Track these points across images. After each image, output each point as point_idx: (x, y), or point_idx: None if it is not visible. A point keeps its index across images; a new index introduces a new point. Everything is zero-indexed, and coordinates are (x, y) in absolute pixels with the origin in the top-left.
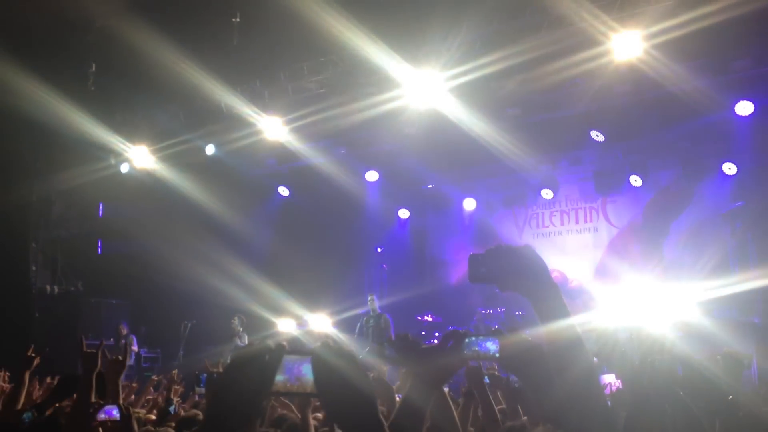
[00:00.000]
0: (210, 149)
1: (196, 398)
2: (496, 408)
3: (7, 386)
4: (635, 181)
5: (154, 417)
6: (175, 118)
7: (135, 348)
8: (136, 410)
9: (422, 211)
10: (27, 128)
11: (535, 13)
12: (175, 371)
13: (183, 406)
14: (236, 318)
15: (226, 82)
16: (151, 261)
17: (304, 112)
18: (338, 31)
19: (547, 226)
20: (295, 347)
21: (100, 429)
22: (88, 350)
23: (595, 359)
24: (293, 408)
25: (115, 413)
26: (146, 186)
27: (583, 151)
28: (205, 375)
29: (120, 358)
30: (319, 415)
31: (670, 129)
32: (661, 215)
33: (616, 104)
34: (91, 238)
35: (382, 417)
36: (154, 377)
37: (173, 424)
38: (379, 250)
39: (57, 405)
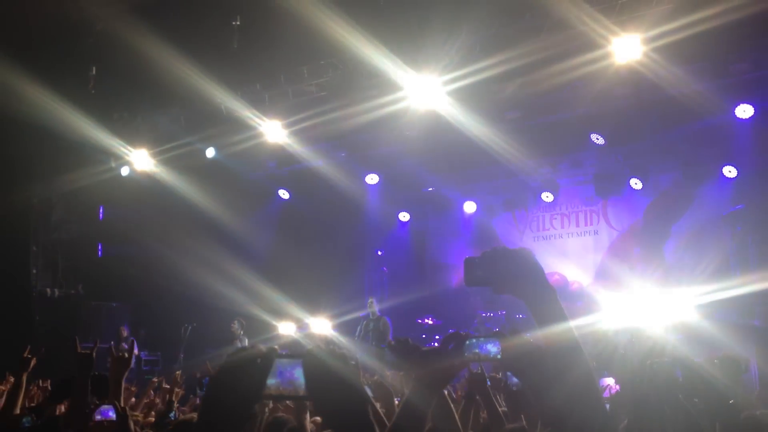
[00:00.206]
0: (210, 152)
1: (197, 401)
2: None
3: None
4: (635, 184)
5: (153, 419)
6: (176, 121)
7: (135, 351)
8: (135, 413)
9: (422, 214)
10: (27, 131)
11: (535, 17)
12: (178, 372)
13: (183, 409)
14: (236, 321)
15: (227, 85)
16: (151, 264)
17: (304, 115)
18: (338, 35)
19: (548, 229)
20: (296, 350)
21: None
22: (83, 351)
23: (594, 363)
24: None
25: (112, 414)
26: (147, 189)
27: (584, 154)
28: (207, 378)
29: (125, 355)
30: (318, 419)
31: (670, 132)
32: (661, 218)
33: (616, 107)
34: (91, 241)
35: (373, 419)
36: (155, 379)
37: (171, 428)
38: (379, 253)
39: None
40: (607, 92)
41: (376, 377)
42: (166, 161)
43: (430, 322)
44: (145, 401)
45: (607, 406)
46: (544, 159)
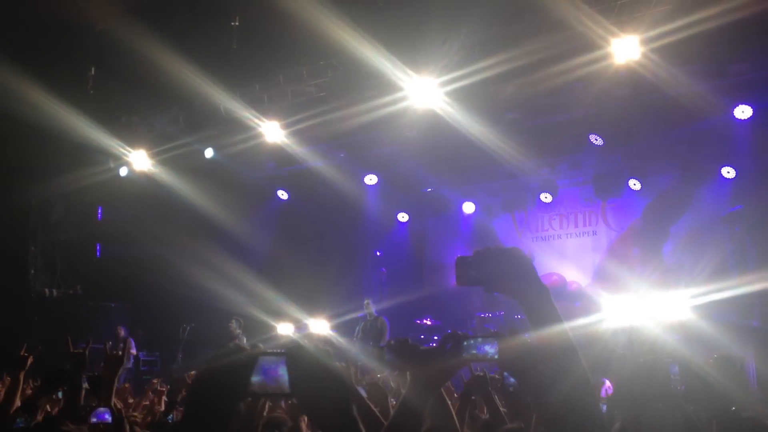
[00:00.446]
0: (209, 153)
1: None
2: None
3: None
4: (634, 184)
5: (149, 419)
6: (175, 121)
7: (133, 351)
8: (134, 414)
9: (421, 214)
10: (26, 132)
11: (534, 17)
12: (192, 372)
13: (180, 409)
14: (234, 321)
15: (226, 85)
16: (150, 264)
17: (303, 115)
18: (337, 35)
19: (547, 230)
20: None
21: None
22: (76, 350)
23: (592, 364)
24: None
25: (108, 417)
26: (145, 189)
27: (582, 155)
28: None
29: (119, 353)
30: None
31: (669, 133)
32: (660, 219)
33: (615, 108)
34: (90, 241)
35: (356, 415)
36: (155, 381)
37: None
38: (378, 253)
39: (47, 407)
40: (606, 93)
41: (371, 378)
42: (165, 162)
43: (429, 322)
44: (145, 403)
45: (604, 407)
46: (543, 160)
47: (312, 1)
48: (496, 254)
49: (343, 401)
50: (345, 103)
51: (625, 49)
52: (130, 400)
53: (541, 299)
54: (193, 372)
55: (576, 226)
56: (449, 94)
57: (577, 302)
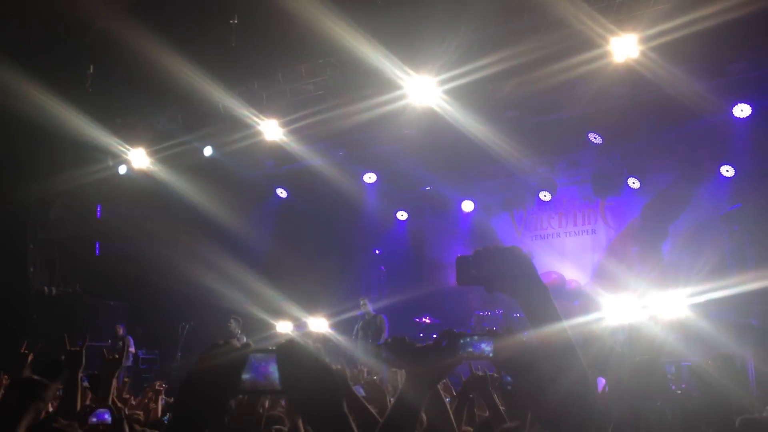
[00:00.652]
0: (208, 151)
1: None
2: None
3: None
4: (633, 183)
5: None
6: (173, 119)
7: (132, 349)
8: (137, 412)
9: (420, 213)
10: (25, 130)
11: (533, 16)
12: None
13: None
14: (232, 320)
15: (224, 83)
16: (149, 262)
17: (302, 113)
18: (336, 34)
19: (546, 229)
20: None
21: None
22: (72, 348)
23: (590, 363)
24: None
25: (107, 417)
26: (144, 188)
27: (581, 154)
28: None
29: (116, 356)
30: None
31: (667, 131)
32: (659, 217)
33: (613, 107)
34: (89, 239)
35: (347, 412)
36: (158, 383)
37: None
38: (377, 252)
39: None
40: (605, 91)
41: (368, 377)
42: (164, 160)
43: (428, 321)
44: (145, 402)
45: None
46: (542, 158)
47: None
48: (495, 253)
49: (333, 398)
50: (344, 102)
51: (624, 47)
52: (133, 402)
53: (541, 298)
54: None
55: (575, 225)
56: (448, 92)
57: (576, 301)
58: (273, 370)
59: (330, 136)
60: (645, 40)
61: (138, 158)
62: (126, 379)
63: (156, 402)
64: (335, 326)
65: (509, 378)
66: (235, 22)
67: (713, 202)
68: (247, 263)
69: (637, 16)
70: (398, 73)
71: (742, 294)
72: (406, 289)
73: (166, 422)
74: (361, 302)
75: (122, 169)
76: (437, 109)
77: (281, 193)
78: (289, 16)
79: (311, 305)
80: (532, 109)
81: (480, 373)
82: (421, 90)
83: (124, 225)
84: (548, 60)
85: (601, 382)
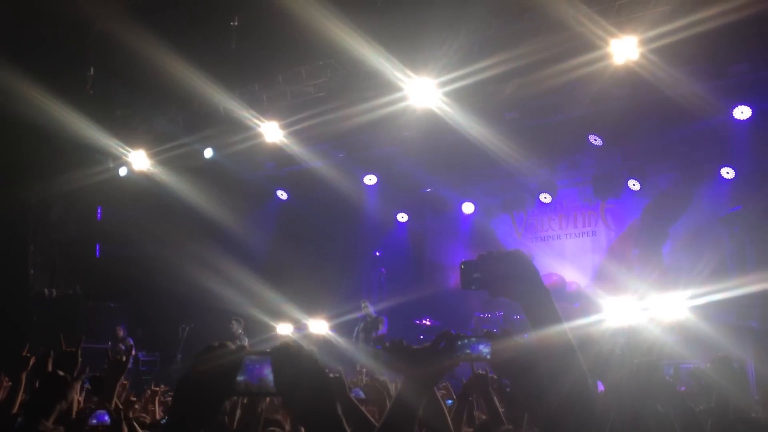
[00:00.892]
0: (208, 153)
1: None
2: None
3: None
4: (633, 185)
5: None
6: (174, 121)
7: (132, 351)
8: (143, 415)
9: (421, 214)
10: (25, 131)
11: (533, 18)
12: None
13: None
14: (234, 321)
15: (225, 85)
16: (149, 264)
17: (302, 115)
18: (336, 36)
19: (546, 230)
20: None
21: None
22: (68, 349)
23: (590, 365)
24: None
25: (107, 419)
26: (145, 189)
27: (582, 155)
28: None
29: (123, 358)
30: None
31: (668, 133)
32: (659, 219)
33: (614, 108)
34: (89, 241)
35: (341, 414)
36: (162, 387)
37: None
38: (377, 253)
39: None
40: (605, 93)
41: (368, 379)
42: (164, 162)
43: (428, 323)
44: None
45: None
46: (543, 160)
47: (311, 1)
48: (498, 258)
49: (327, 400)
50: (344, 104)
51: (624, 49)
52: (136, 405)
53: (542, 300)
54: None
55: (575, 227)
56: (448, 94)
57: (576, 303)
58: (268, 373)
59: (330, 138)
60: (645, 42)
61: (138, 160)
62: (125, 381)
63: (154, 402)
64: (335, 328)
65: (506, 380)
66: (236, 24)
67: (713, 204)
68: (247, 265)
69: (637, 18)
70: (398, 75)
71: (742, 296)
72: (406, 291)
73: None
74: (362, 305)
75: (123, 171)
76: (437, 111)
77: (282, 194)
78: (290, 18)
79: (311, 307)
80: (532, 111)
81: (480, 372)
82: (422, 92)
83: (124, 227)
84: (548, 62)
85: (600, 387)
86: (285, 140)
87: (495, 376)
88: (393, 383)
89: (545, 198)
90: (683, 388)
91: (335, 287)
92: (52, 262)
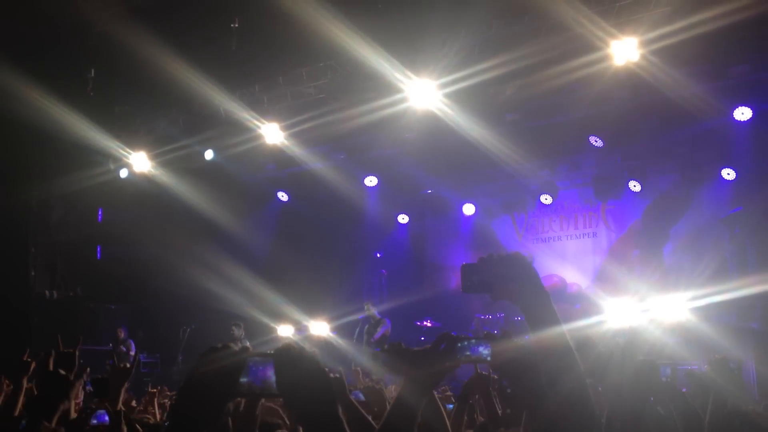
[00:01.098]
0: (209, 154)
1: None
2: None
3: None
4: (634, 186)
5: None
6: (174, 123)
7: (133, 352)
8: (146, 416)
9: (421, 216)
10: (26, 133)
11: (534, 19)
12: None
13: None
14: (234, 327)
15: (225, 87)
16: (150, 266)
17: (302, 117)
18: (337, 37)
19: (547, 232)
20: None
21: None
22: (66, 350)
23: (590, 367)
24: (283, 417)
25: (107, 419)
26: (145, 191)
27: (582, 156)
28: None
29: (128, 365)
30: None
31: (668, 134)
32: (660, 220)
33: (614, 110)
34: (90, 243)
35: (342, 416)
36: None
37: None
38: (378, 255)
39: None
40: (606, 95)
41: (368, 381)
42: (165, 163)
43: (429, 324)
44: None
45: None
46: (543, 161)
47: (311, 2)
48: (499, 261)
49: (329, 402)
50: (344, 105)
51: (625, 50)
52: (136, 406)
53: (541, 302)
54: None
55: (576, 228)
56: (449, 95)
57: (577, 304)
58: (270, 374)
59: (331, 140)
60: (645, 44)
61: (139, 162)
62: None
63: (153, 404)
64: (336, 330)
65: (506, 382)
66: (236, 25)
67: (714, 205)
68: (248, 266)
69: (638, 19)
70: (399, 76)
71: (743, 297)
72: (407, 293)
73: (165, 425)
74: (365, 306)
75: (123, 173)
76: (438, 112)
77: (282, 196)
78: (290, 20)
79: (312, 309)
80: (532, 113)
81: (482, 372)
82: (422, 93)
83: (125, 228)
84: (549, 63)
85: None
86: (285, 142)
87: (496, 377)
88: (388, 388)
89: (546, 199)
90: (684, 390)
91: (336, 289)
92: (53, 263)
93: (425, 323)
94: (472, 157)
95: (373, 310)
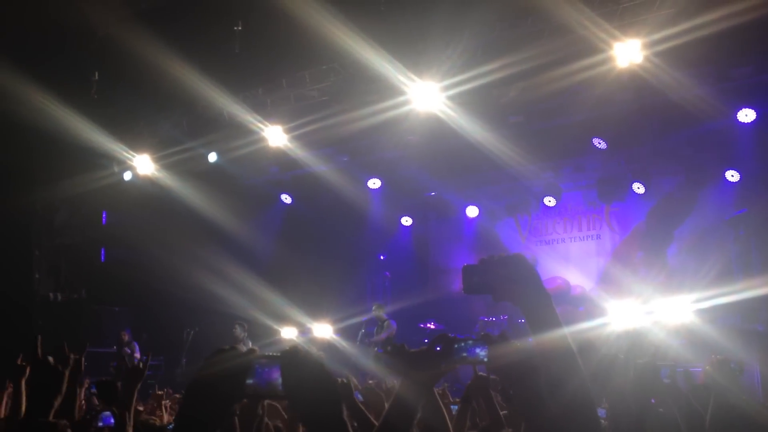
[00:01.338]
0: (212, 157)
1: None
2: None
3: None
4: (638, 188)
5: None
6: (178, 126)
7: (137, 355)
8: (153, 417)
9: (425, 218)
10: (30, 136)
11: (537, 21)
12: None
13: None
14: (237, 326)
15: (229, 90)
16: (154, 268)
17: (306, 119)
18: (340, 39)
19: (550, 234)
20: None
21: None
22: (74, 356)
23: (594, 369)
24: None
25: (113, 421)
26: (149, 194)
27: (586, 159)
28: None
29: (140, 366)
30: None
31: (672, 136)
32: (664, 222)
33: (618, 112)
34: (94, 245)
35: (346, 419)
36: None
37: None
38: (381, 257)
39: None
40: (609, 97)
41: (368, 383)
42: (169, 166)
43: (432, 326)
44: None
45: (603, 412)
46: (547, 163)
47: (314, 5)
48: (500, 262)
49: (334, 405)
50: (348, 107)
51: (628, 52)
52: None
53: (542, 304)
54: None
55: (580, 230)
56: (452, 98)
57: (581, 306)
58: (276, 376)
59: (334, 142)
60: (649, 46)
61: (143, 164)
62: None
63: (160, 407)
64: (340, 332)
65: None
66: (239, 28)
67: (718, 207)
68: (251, 269)
69: (641, 21)
70: (402, 78)
71: (748, 299)
72: (410, 295)
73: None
74: (374, 307)
75: (127, 176)
76: (441, 114)
77: (286, 198)
78: (294, 23)
79: (316, 311)
80: (536, 115)
81: (482, 374)
82: (425, 96)
83: (129, 231)
84: (552, 65)
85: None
86: (289, 144)
87: (497, 378)
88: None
89: (549, 201)
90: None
91: (339, 291)
92: (57, 266)
93: (429, 325)
94: (475, 160)
95: (380, 312)
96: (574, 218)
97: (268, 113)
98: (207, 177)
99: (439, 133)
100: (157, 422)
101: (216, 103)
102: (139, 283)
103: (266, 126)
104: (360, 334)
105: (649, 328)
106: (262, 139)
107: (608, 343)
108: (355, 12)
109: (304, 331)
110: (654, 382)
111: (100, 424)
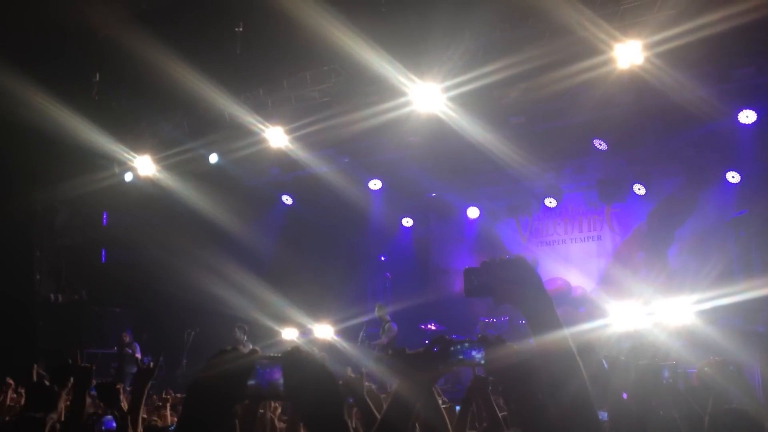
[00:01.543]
0: (213, 158)
1: None
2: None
3: (14, 397)
4: (639, 189)
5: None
6: (179, 127)
7: (138, 355)
8: (154, 419)
9: (426, 219)
10: (31, 137)
11: (538, 22)
12: None
13: None
14: (237, 329)
15: (230, 91)
16: (154, 269)
17: (307, 120)
18: (341, 40)
19: (551, 235)
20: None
21: None
22: (84, 365)
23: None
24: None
25: (114, 425)
26: (150, 195)
27: (587, 160)
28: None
29: (151, 366)
30: None
31: (673, 137)
32: (665, 223)
33: (618, 113)
34: (95, 246)
35: (347, 419)
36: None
37: None
38: (382, 258)
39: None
40: (610, 98)
41: (368, 384)
42: (170, 167)
43: (433, 327)
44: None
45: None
46: (547, 164)
47: (315, 6)
48: (501, 264)
49: (335, 405)
50: (349, 109)
51: (629, 53)
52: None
53: (543, 306)
54: None
55: (581, 231)
56: (453, 99)
57: (581, 307)
58: (277, 377)
59: (335, 143)
60: (649, 47)
61: (144, 165)
62: (127, 387)
63: (165, 407)
64: (341, 333)
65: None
66: (241, 29)
67: (719, 208)
68: (252, 270)
69: (642, 22)
70: (403, 80)
71: (749, 300)
72: (411, 296)
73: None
74: (377, 307)
75: (128, 177)
76: (442, 115)
77: (287, 199)
78: (294, 24)
79: (316, 312)
80: (537, 116)
81: (481, 375)
82: (426, 97)
83: (130, 232)
84: (553, 66)
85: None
86: (290, 145)
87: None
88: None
89: (550, 202)
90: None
91: (340, 292)
92: (58, 267)
93: (429, 326)
94: (476, 161)
95: (383, 312)
96: (575, 219)
97: (269, 114)
98: (208, 178)
99: (440, 134)
100: (159, 423)
101: (217, 104)
102: (140, 284)
103: (267, 127)
104: (361, 335)
105: (650, 329)
106: (263, 140)
107: (609, 344)
108: (356, 13)
109: (304, 332)
110: (655, 384)
111: (102, 428)
